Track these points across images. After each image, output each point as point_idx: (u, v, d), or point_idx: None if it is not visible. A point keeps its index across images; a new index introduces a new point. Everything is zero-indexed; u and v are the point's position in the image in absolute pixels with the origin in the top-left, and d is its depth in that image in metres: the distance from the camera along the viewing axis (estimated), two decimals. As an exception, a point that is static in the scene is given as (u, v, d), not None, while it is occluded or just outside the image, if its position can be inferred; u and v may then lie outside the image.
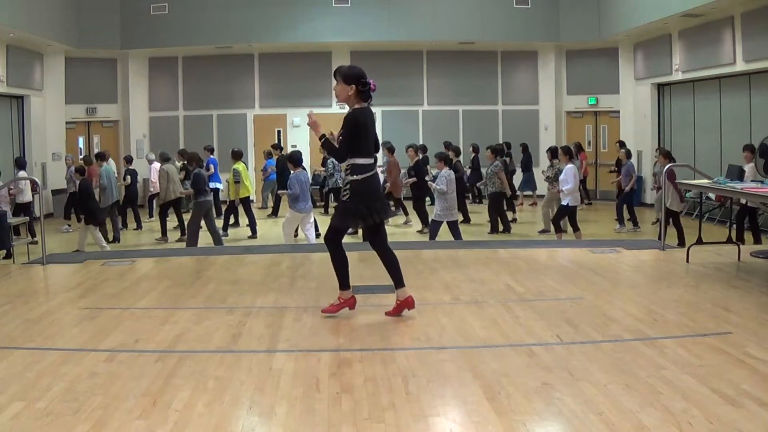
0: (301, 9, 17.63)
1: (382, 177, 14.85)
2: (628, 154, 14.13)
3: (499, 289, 6.56)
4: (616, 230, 13.38)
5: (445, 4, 17.85)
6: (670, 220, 10.97)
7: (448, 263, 7.88)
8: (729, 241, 8.12)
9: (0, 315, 5.82)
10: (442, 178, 11.40)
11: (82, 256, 9.34)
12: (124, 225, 14.60)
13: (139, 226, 14.77)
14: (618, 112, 18.16)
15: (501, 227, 13.25)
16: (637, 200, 17.20)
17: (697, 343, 4.70)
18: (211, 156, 15.43)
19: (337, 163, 16.50)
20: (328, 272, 7.51)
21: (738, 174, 8.14)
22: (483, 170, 15.54)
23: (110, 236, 13.06)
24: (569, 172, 11.05)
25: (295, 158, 11.23)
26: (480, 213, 15.76)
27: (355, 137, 5.28)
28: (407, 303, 5.51)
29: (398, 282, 5.52)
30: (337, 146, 5.39)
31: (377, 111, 19.19)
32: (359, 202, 5.32)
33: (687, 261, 7.63)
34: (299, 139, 18.86)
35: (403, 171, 15.22)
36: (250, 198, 14.22)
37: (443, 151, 12.88)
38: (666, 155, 11.55)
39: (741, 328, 5.06)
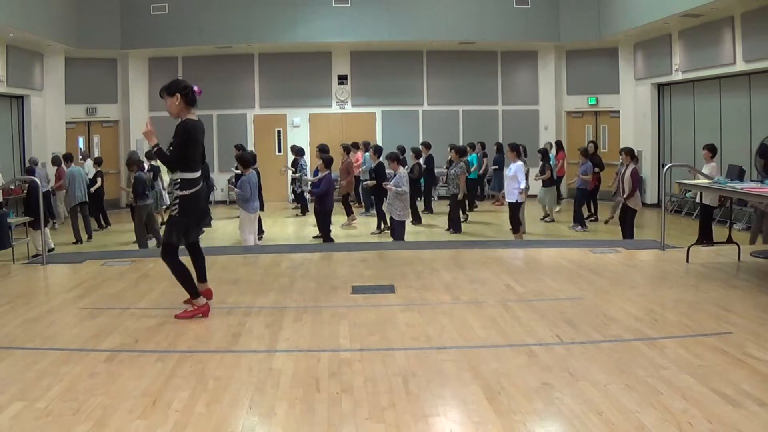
0: (301, 9, 17.64)
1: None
2: (585, 154, 14.19)
3: (499, 289, 6.56)
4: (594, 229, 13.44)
5: (445, 4, 17.85)
6: (625, 217, 11.03)
7: (448, 263, 7.88)
8: (729, 241, 8.13)
9: (0, 315, 5.82)
10: (402, 179, 11.49)
11: (82, 256, 9.33)
12: (100, 226, 14.61)
13: (99, 227, 14.66)
14: (618, 112, 18.16)
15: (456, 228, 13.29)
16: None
17: (697, 343, 4.70)
18: None
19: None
20: (328, 272, 7.56)
21: (738, 174, 8.15)
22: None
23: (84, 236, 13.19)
24: (518, 169, 11.02)
25: (246, 159, 11.14)
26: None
27: (185, 148, 5.33)
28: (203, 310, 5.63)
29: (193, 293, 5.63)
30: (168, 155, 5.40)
31: (377, 111, 19.50)
32: (188, 216, 5.44)
33: (687, 261, 7.64)
34: (299, 139, 18.85)
35: (363, 169, 15.65)
36: None
37: (395, 151, 12.82)
38: (629, 153, 11.52)
39: (741, 328, 5.07)
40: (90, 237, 13.34)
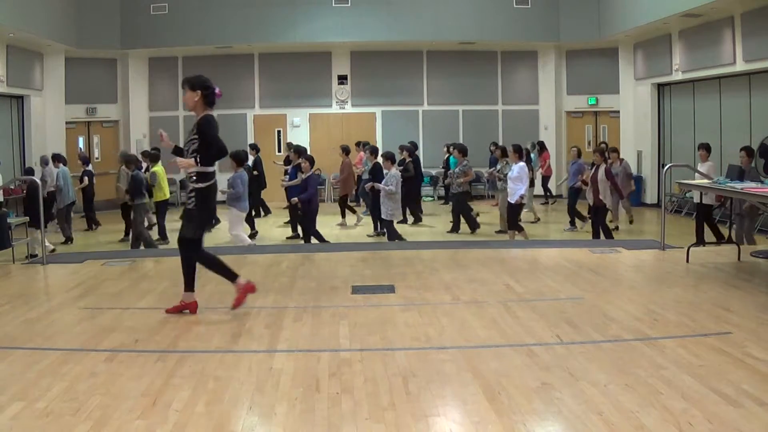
0: (301, 9, 17.64)
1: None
2: (579, 154, 14.18)
3: (499, 289, 6.56)
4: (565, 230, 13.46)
5: (445, 4, 17.84)
6: (597, 216, 11.07)
7: (448, 263, 7.88)
8: (729, 241, 8.13)
9: (0, 315, 5.82)
10: (392, 179, 11.45)
11: (82, 256, 9.33)
12: (90, 227, 14.51)
13: (89, 227, 14.51)
14: (618, 112, 18.16)
15: (472, 226, 13.12)
16: (637, 200, 17.27)
17: (697, 343, 4.70)
18: None
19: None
20: (328, 272, 7.56)
21: (738, 174, 8.14)
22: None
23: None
24: (522, 171, 11.03)
25: (240, 157, 11.00)
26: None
27: (216, 140, 5.44)
28: (191, 306, 5.71)
29: (189, 285, 5.70)
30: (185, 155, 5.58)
31: (377, 111, 19.51)
32: (205, 209, 5.53)
33: (687, 261, 7.64)
34: (299, 139, 18.85)
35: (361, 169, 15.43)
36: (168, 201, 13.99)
37: (390, 150, 12.71)
38: (600, 153, 11.53)
39: (741, 328, 5.06)
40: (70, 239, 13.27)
